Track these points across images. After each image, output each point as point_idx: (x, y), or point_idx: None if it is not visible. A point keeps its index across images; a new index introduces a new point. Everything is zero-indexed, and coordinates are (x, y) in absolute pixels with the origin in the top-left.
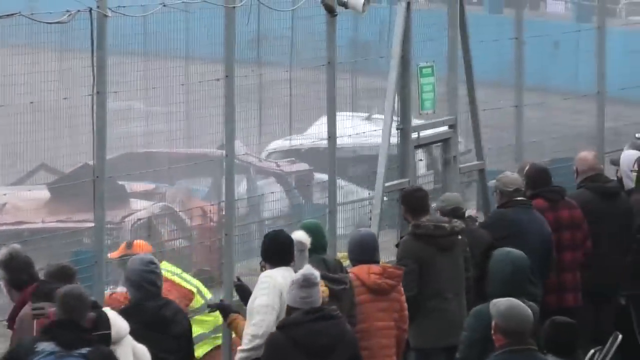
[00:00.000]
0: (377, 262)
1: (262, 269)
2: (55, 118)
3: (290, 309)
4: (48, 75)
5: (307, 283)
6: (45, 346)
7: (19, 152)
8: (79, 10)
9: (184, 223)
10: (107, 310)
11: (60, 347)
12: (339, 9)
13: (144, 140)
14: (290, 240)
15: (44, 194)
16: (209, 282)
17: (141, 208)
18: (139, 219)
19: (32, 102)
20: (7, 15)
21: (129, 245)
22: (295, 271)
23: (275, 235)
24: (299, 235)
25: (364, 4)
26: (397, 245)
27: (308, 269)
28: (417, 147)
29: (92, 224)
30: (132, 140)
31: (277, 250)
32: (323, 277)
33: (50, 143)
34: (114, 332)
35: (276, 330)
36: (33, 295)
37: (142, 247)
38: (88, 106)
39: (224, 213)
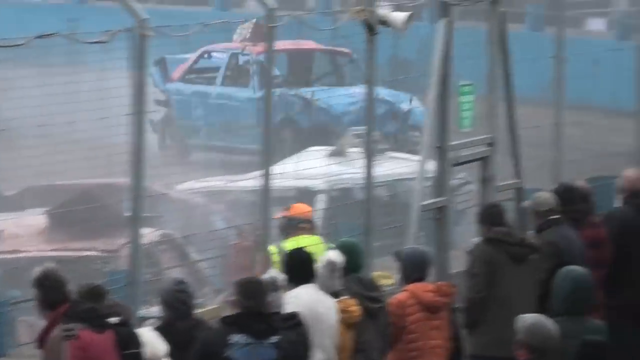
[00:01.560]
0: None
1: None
2: (94, 138)
3: None
4: (88, 94)
5: (272, 287)
6: (239, 338)
7: (59, 171)
8: (119, 31)
9: (183, 250)
10: (146, 329)
11: (253, 337)
12: (380, 27)
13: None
14: (311, 257)
15: (40, 220)
16: None
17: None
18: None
19: (73, 122)
20: (48, 34)
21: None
22: (327, 291)
23: (294, 255)
24: (332, 255)
25: (405, 23)
26: (469, 252)
27: (272, 272)
28: (455, 165)
29: (90, 253)
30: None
31: (298, 270)
32: (361, 295)
33: (87, 162)
34: (150, 352)
35: None
36: (64, 316)
37: (301, 209)
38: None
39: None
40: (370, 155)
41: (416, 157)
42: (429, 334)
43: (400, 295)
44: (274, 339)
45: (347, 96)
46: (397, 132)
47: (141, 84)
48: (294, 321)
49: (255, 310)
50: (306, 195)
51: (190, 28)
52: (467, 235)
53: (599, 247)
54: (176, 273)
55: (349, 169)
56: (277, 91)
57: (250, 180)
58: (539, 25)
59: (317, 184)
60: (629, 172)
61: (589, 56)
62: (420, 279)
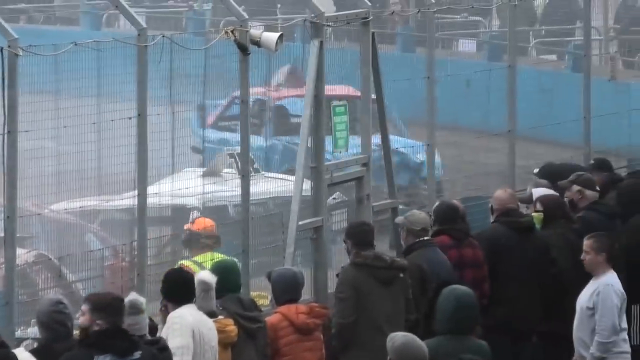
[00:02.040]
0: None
1: (163, 308)
2: None
3: None
4: None
5: (134, 310)
6: (102, 359)
7: None
8: None
9: (59, 271)
10: (20, 350)
11: (117, 356)
12: (252, 48)
13: (55, 179)
14: (192, 277)
15: None
16: None
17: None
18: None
19: None
20: None
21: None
22: (202, 312)
23: (176, 273)
24: (204, 275)
25: (276, 43)
26: (337, 275)
27: (133, 295)
28: (331, 185)
29: None
30: (43, 180)
31: (180, 288)
32: (239, 315)
33: None
34: None
35: None
36: None
37: (205, 223)
38: None
39: (136, 253)
40: (246, 174)
41: (291, 177)
42: (302, 355)
43: (272, 318)
44: (137, 354)
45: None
46: (409, 184)
47: (13, 104)
48: (159, 345)
49: (116, 327)
50: (181, 212)
51: (61, 47)
52: (343, 255)
53: (479, 267)
54: (53, 293)
55: (224, 188)
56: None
57: (125, 200)
58: (410, 47)
59: (192, 201)
60: (499, 192)
61: (460, 77)
62: (292, 300)
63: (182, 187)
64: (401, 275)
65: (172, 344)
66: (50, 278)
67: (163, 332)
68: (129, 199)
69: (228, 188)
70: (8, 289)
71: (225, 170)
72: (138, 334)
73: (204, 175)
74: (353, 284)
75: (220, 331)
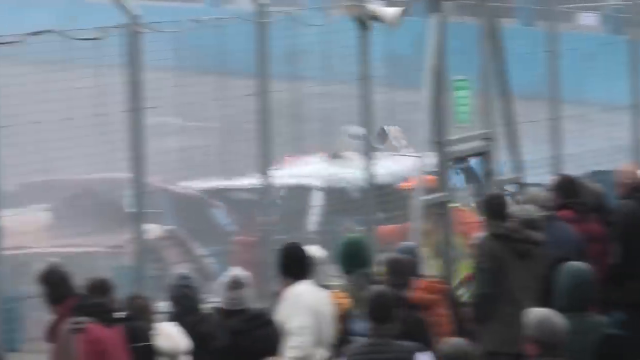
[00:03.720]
0: (419, 276)
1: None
2: (92, 134)
3: (223, 311)
4: (84, 91)
5: (236, 285)
6: None
7: (55, 169)
8: (113, 27)
9: (189, 246)
10: (167, 324)
11: None
12: (373, 23)
13: (178, 155)
14: (308, 252)
15: (44, 216)
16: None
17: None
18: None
19: (68, 119)
20: (41, 31)
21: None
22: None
23: (292, 248)
24: (312, 250)
25: (397, 18)
26: (471, 246)
27: (235, 270)
28: (454, 160)
29: (95, 249)
30: (168, 156)
31: (297, 264)
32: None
33: (85, 159)
34: (170, 345)
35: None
36: (72, 310)
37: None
38: (124, 122)
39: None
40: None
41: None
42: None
43: None
44: None
45: None
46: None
47: (136, 81)
48: (263, 319)
49: None
50: (302, 191)
51: (183, 24)
52: None
53: (599, 241)
54: (182, 268)
55: (346, 169)
56: None
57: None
58: (530, 20)
59: (313, 181)
60: (626, 166)
61: (582, 50)
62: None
63: (306, 168)
64: (537, 250)
65: (293, 323)
66: (179, 253)
67: (281, 308)
68: (252, 179)
69: (352, 169)
70: (139, 264)
71: (348, 151)
72: (240, 307)
73: (330, 157)
74: (493, 254)
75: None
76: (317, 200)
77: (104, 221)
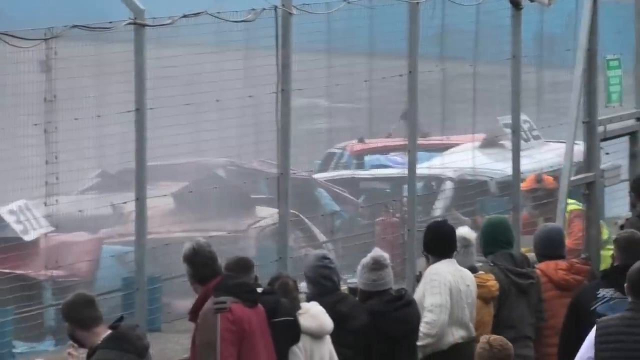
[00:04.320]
0: (563, 257)
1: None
2: (241, 116)
3: (362, 292)
4: (234, 73)
5: (377, 265)
6: (605, 292)
7: (204, 150)
8: (264, 9)
9: (310, 229)
10: (313, 304)
11: (620, 292)
12: (525, 2)
13: (327, 137)
14: (453, 231)
15: (164, 200)
16: None
17: (267, 215)
18: (265, 226)
19: (217, 100)
20: (194, 14)
21: (539, 179)
22: (466, 266)
23: (438, 226)
24: (464, 231)
25: None
26: (621, 227)
27: (377, 251)
28: (603, 140)
29: (219, 233)
30: (316, 137)
31: (441, 242)
32: (510, 271)
33: (235, 141)
34: (317, 326)
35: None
36: (215, 290)
37: (551, 181)
38: (272, 104)
39: (405, 209)
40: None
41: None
42: (563, 311)
43: None
44: None
45: None
46: None
47: (287, 63)
48: (404, 300)
49: None
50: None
51: (334, 5)
52: (615, 211)
53: None
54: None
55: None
56: None
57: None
58: None
59: (447, 172)
60: None
61: None
62: (554, 256)
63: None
64: None
65: (430, 300)
66: (300, 238)
67: (420, 287)
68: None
69: (500, 159)
70: (280, 244)
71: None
72: (382, 289)
73: (480, 146)
74: None
75: (480, 286)
76: (447, 191)
77: (227, 206)
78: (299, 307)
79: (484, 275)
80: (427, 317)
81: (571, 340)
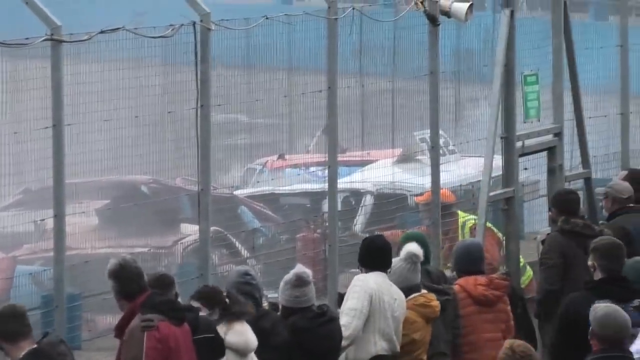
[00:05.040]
0: (482, 272)
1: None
2: (160, 132)
3: (284, 309)
4: (152, 89)
5: (300, 282)
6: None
7: (124, 165)
8: (182, 25)
9: (234, 246)
10: (240, 323)
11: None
12: (442, 19)
13: (247, 152)
14: (388, 246)
15: (90, 218)
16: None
17: (192, 232)
18: (190, 243)
19: (136, 116)
20: (112, 29)
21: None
22: (405, 284)
23: (371, 241)
24: (413, 248)
25: (466, 13)
26: (542, 242)
27: (299, 268)
28: (522, 155)
29: (143, 249)
30: (235, 152)
31: (373, 255)
32: (427, 288)
33: (155, 157)
34: (243, 342)
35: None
36: (142, 307)
37: (447, 195)
38: (192, 119)
39: (327, 224)
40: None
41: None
42: (483, 327)
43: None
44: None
45: None
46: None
47: (205, 78)
48: (326, 317)
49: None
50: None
51: (253, 21)
52: (533, 226)
53: None
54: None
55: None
56: None
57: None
58: (603, 15)
59: (367, 186)
60: None
61: None
62: (473, 272)
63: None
64: None
65: (348, 305)
66: (225, 255)
67: (346, 293)
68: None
69: (419, 174)
70: (202, 262)
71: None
72: (304, 305)
73: (398, 161)
74: (561, 250)
75: (425, 306)
76: (367, 205)
77: (151, 223)
78: (219, 322)
79: (428, 294)
80: (342, 320)
81: (570, 351)
